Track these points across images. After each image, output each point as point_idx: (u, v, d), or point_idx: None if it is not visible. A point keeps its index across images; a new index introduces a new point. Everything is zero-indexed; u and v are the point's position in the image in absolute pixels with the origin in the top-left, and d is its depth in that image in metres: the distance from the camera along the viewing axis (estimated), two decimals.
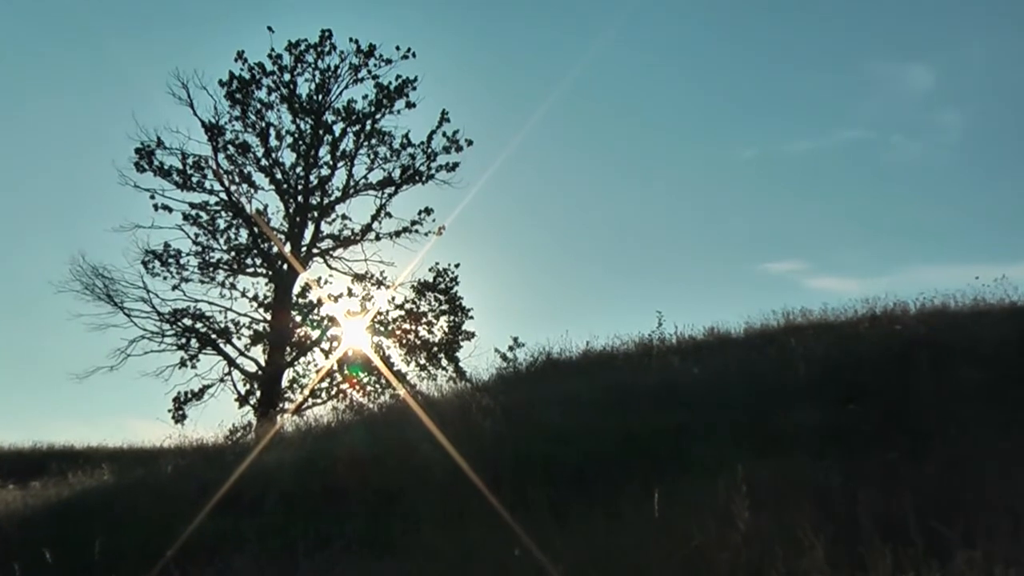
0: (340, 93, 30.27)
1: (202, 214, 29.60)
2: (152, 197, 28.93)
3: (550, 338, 18.92)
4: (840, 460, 9.13)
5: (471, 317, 31.46)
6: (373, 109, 30.21)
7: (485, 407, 14.06)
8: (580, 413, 12.83)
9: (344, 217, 30.76)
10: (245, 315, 30.24)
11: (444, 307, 31.39)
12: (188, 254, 29.68)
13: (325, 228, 30.77)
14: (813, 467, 9.11)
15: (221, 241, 30.02)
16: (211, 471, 14.50)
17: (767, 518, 7.43)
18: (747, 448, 10.19)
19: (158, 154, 29.00)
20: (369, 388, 29.69)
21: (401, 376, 29.89)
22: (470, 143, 30.45)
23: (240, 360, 29.74)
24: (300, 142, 30.17)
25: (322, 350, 30.85)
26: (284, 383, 30.04)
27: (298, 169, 30.32)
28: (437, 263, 31.57)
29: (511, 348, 19.75)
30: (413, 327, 31.20)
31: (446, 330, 31.35)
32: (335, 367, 30.31)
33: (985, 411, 10.05)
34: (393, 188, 30.55)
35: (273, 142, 29.91)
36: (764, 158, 63.78)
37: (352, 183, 30.52)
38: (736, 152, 64.09)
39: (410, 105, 30.40)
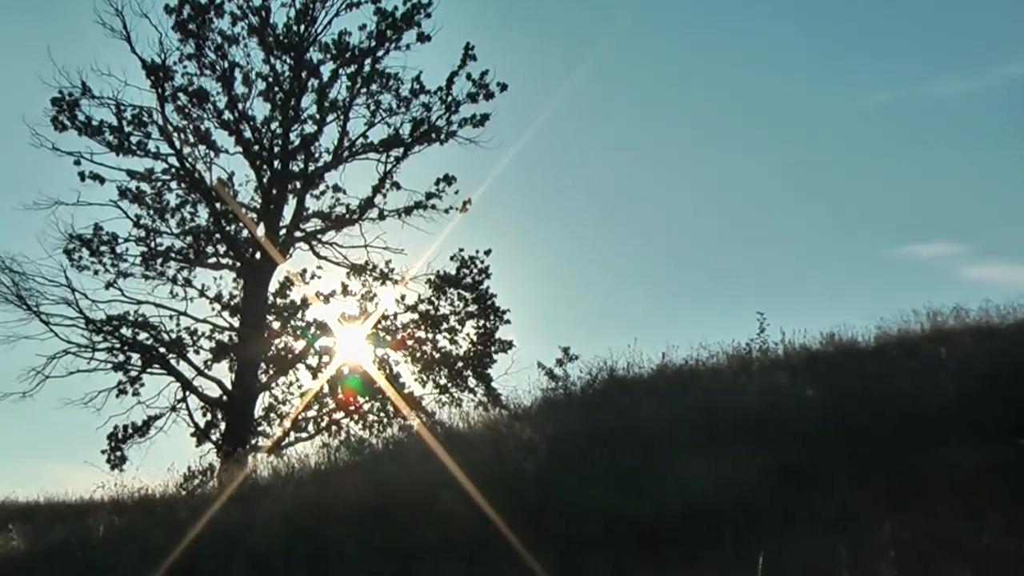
0: (329, 23, 30.31)
1: (145, 186, 29.88)
2: (77, 163, 29.07)
3: (613, 349, 18.74)
4: (1010, 513, 9.08)
5: (507, 322, 31.46)
6: (373, 44, 30.20)
7: (526, 442, 14.10)
8: (653, 450, 12.82)
9: (336, 189, 30.99)
10: (205, 321, 30.52)
11: (471, 308, 31.39)
12: (127, 240, 29.96)
13: (311, 204, 31.04)
14: (974, 523, 9.06)
15: (171, 222, 30.31)
16: (158, 532, 14.61)
17: None
18: (880, 497, 10.16)
19: (84, 105, 29.12)
20: (372, 416, 29.71)
21: (414, 401, 29.87)
22: (504, 88, 30.34)
23: (198, 382, 29.93)
24: (276, 88, 30.25)
25: (308, 367, 30.93)
26: (258, 412, 30.20)
27: (274, 125, 30.45)
28: (461, 250, 31.57)
29: (560, 362, 19.67)
30: (430, 335, 31.29)
31: (474, 339, 31.35)
32: (325, 389, 30.37)
33: None
34: (401, 149, 30.64)
35: (240, 89, 30.10)
36: (901, 105, 62.79)
37: (347, 143, 30.64)
38: (863, 98, 63.17)
39: (423, 38, 30.32)
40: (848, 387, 14.03)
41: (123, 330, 29.49)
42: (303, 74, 30.29)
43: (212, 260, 30.56)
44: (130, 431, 29.18)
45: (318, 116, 30.42)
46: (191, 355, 30.06)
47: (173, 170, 29.86)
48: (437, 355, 30.99)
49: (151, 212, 29.96)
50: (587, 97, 57.49)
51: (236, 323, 30.34)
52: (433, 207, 30.56)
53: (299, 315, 31.01)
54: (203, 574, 12.53)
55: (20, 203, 29.45)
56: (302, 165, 30.56)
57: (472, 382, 30.82)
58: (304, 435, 29.95)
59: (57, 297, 29.00)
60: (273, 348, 30.63)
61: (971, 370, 13.48)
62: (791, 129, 60.52)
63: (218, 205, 30.02)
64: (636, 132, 62.14)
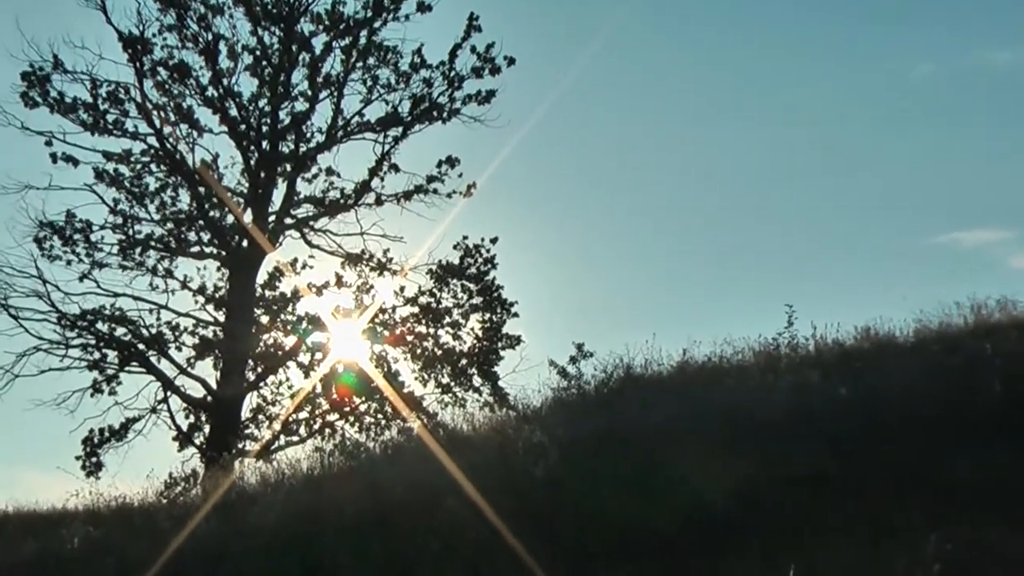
0: None
1: (123, 169, 29.82)
2: (49, 143, 28.94)
3: (629, 345, 18.72)
4: None
5: (515, 315, 31.40)
6: (370, 14, 30.06)
7: (535, 445, 14.13)
8: (673, 454, 12.84)
9: (330, 172, 30.98)
10: (187, 315, 30.51)
11: (476, 301, 31.34)
12: (103, 227, 29.88)
13: (302, 188, 31.07)
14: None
15: (151, 208, 30.28)
16: (137, 544, 14.64)
17: None
18: (921, 506, 10.17)
19: (56, 80, 28.94)
20: (368, 418, 29.68)
21: (415, 401, 29.86)
22: (512, 62, 30.32)
23: (180, 381, 29.89)
24: (264, 63, 30.21)
25: (300, 365, 30.92)
26: (245, 413, 30.23)
27: (262, 102, 30.45)
28: (465, 238, 31.46)
29: (573, 360, 19.72)
30: (431, 330, 31.27)
31: (479, 334, 31.30)
32: (318, 389, 30.35)
33: None
34: (400, 129, 30.62)
35: (224, 63, 30.07)
36: (948, 77, 62.28)
37: (341, 122, 30.65)
38: (905, 68, 62.61)
39: (423, 8, 30.22)
40: (885, 386, 14.01)
41: (99, 325, 29.38)
42: (293, 47, 30.18)
43: (195, 249, 30.54)
44: (107, 435, 29.10)
45: (310, 93, 30.42)
46: (173, 352, 30.08)
47: (152, 151, 29.78)
48: (439, 352, 30.94)
49: (129, 197, 29.90)
50: (602, 72, 57.07)
51: (221, 317, 30.36)
52: (435, 191, 30.66)
53: (290, 308, 31.01)
54: None
55: None
56: (292, 146, 30.57)
57: (477, 381, 30.78)
58: (295, 438, 29.98)
59: (27, 289, 28.78)
60: (261, 344, 30.64)
61: (1019, 367, 13.47)
62: (824, 103, 59.75)
63: (201, 189, 29.99)
64: (655, 110, 61.52)
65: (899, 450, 11.75)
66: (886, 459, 11.55)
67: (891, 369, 14.87)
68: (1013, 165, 57.46)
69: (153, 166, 30.00)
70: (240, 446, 28.28)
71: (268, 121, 30.35)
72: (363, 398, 29.92)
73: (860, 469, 11.46)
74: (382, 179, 30.53)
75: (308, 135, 30.55)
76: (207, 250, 30.49)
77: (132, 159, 29.68)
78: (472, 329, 31.25)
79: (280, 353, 30.68)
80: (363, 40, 30.18)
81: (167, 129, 29.61)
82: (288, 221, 30.62)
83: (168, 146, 29.67)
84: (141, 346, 29.62)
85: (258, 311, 30.50)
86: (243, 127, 30.29)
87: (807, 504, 10.82)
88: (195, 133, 29.95)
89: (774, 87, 59.73)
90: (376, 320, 30.84)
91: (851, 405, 13.52)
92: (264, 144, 30.37)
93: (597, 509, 11.57)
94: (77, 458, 28.83)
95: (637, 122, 60.02)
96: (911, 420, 12.52)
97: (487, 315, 31.24)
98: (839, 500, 10.80)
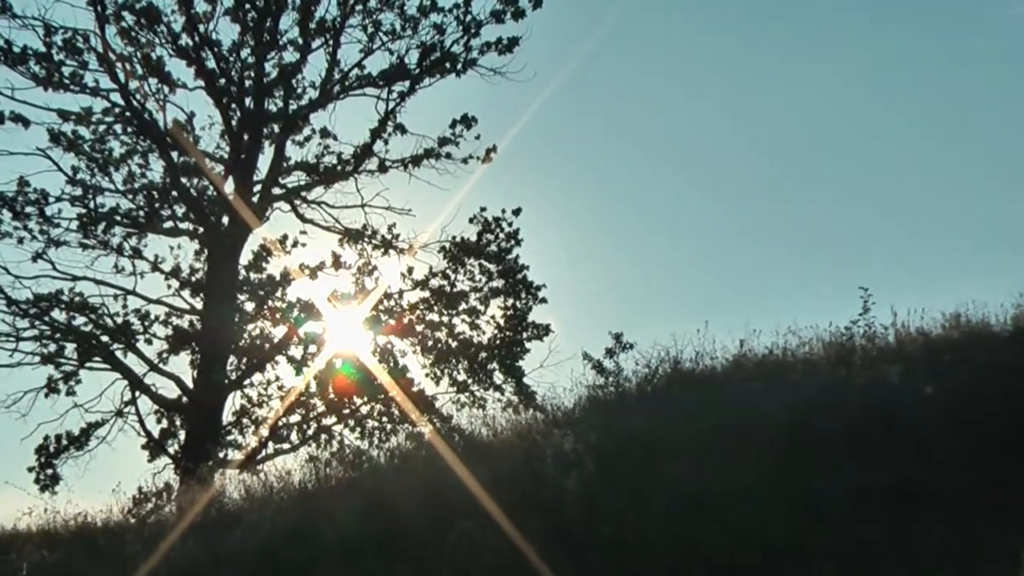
0: None
1: (82, 130, 29.68)
2: None
3: (677, 335, 18.71)
4: None
5: (542, 300, 31.40)
6: None
7: (567, 453, 14.12)
8: (729, 463, 12.82)
9: (325, 134, 30.97)
10: (159, 302, 30.48)
11: (497, 284, 31.35)
12: (60, 199, 29.72)
13: (293, 152, 31.05)
14: None
15: (116, 177, 30.23)
16: (101, 570, 14.67)
17: None
18: (1021, 524, 10.11)
19: (3, 27, 29.04)
20: (371, 421, 29.65)
21: (426, 402, 29.80)
22: (538, 4, 30.01)
23: (151, 379, 29.79)
24: (247, 6, 30.02)
25: (291, 359, 30.77)
26: (226, 417, 30.15)
27: (244, 53, 30.33)
28: (484, 210, 31.45)
29: (611, 353, 19.71)
30: (445, 318, 31.28)
31: (500, 323, 31.27)
32: (312, 387, 30.32)
33: None
34: (407, 83, 30.56)
35: (201, 6, 29.86)
36: None
37: (337, 76, 30.56)
38: (995, 9, 62.21)
39: None
40: (978, 383, 13.98)
41: (55, 313, 29.25)
42: None
43: (168, 225, 30.48)
44: (64, 442, 29.10)
45: (301, 41, 30.27)
46: (142, 345, 30.00)
47: (117, 110, 29.61)
48: (454, 343, 30.94)
49: (90, 164, 29.78)
50: (643, 16, 56.92)
51: (199, 304, 30.38)
52: (448, 156, 30.59)
53: (279, 293, 30.89)
54: None
55: None
56: (281, 104, 30.55)
57: (499, 377, 30.75)
58: (285, 446, 29.88)
59: None
60: (246, 336, 30.60)
61: None
62: (899, 52, 59.40)
63: (175, 155, 29.89)
64: (703, 64, 61.20)
65: (995, 457, 11.70)
66: (980, 468, 11.51)
67: (985, 363, 14.83)
68: None
69: (118, 127, 29.97)
70: (221, 455, 28.18)
71: (252, 75, 30.27)
72: (365, 398, 29.86)
73: (950, 480, 11.42)
74: (386, 142, 30.58)
75: (299, 91, 30.57)
76: (182, 226, 30.49)
77: (93, 119, 29.52)
78: (492, 317, 31.26)
79: (268, 346, 30.62)
80: None
81: (134, 84, 29.49)
82: (276, 191, 30.66)
83: (135, 104, 29.49)
84: (105, 338, 29.56)
85: (242, 297, 30.50)
86: (223, 81, 30.16)
87: (888, 521, 10.79)
88: (166, 89, 29.84)
89: (840, 38, 59.19)
90: (380, 307, 30.80)
91: (939, 406, 13.48)
92: (248, 101, 30.35)
93: (639, 528, 11.55)
94: (30, 469, 28.89)
95: (682, 78, 59.80)
96: (1010, 423, 12.47)
97: (510, 300, 31.23)
98: (926, 517, 10.78)
